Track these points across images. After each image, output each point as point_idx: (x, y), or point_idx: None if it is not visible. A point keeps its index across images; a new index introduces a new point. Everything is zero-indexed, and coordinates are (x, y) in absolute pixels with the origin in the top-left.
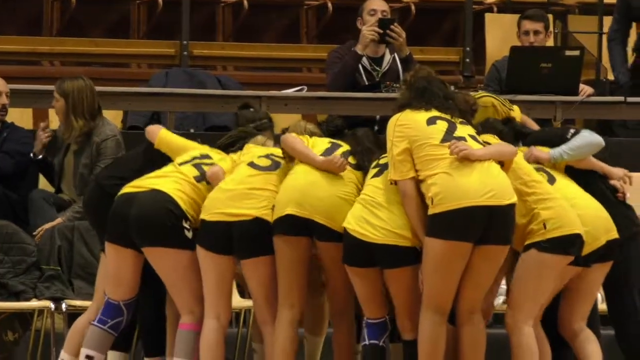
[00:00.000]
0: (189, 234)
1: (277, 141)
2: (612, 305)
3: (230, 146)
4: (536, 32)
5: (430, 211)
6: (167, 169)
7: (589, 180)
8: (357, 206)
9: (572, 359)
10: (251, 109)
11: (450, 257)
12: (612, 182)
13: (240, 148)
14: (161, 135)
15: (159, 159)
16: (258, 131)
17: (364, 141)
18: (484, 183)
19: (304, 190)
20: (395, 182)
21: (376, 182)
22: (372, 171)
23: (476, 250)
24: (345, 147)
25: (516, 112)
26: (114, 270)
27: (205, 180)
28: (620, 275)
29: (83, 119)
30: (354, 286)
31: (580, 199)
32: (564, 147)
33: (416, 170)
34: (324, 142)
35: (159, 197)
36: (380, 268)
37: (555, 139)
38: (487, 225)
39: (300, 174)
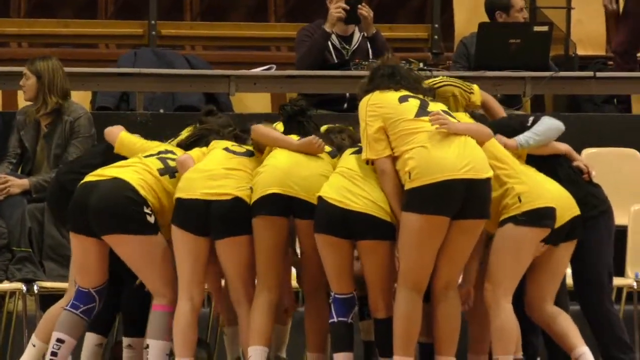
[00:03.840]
0: (151, 219)
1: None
2: (580, 282)
3: (194, 145)
4: (525, 9)
5: (408, 186)
6: (132, 160)
7: (554, 165)
8: (336, 177)
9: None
10: (218, 115)
11: (427, 232)
12: (576, 163)
13: (206, 145)
14: (121, 140)
15: (119, 159)
16: (233, 138)
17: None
18: (462, 156)
19: (287, 169)
20: (372, 162)
21: (355, 158)
22: (350, 150)
23: (453, 225)
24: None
25: (476, 95)
26: (80, 260)
27: (169, 174)
28: (591, 252)
29: (56, 97)
30: (322, 259)
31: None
32: (528, 133)
33: (391, 148)
34: (293, 137)
35: (118, 185)
36: (354, 240)
37: (517, 127)
38: (465, 199)
39: (281, 155)
